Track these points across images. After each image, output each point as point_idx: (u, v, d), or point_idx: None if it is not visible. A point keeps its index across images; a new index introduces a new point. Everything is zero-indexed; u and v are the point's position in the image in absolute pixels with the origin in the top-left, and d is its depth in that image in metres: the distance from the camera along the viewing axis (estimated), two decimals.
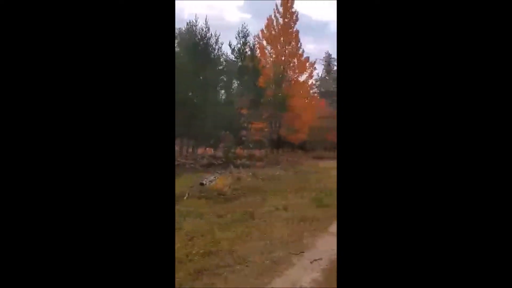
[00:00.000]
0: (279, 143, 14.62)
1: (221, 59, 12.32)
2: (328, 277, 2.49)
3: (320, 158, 16.37)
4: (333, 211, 4.75)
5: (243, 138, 12.45)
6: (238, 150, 11.19)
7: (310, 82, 15.22)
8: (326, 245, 3.23)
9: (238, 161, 9.80)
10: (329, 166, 10.00)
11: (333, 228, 3.89)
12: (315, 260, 2.81)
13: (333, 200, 5.50)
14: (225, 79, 12.37)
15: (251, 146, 12.43)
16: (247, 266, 2.59)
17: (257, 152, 12.15)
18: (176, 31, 10.91)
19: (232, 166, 8.83)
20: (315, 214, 4.43)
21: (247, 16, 49.69)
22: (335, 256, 3.02)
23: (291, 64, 13.90)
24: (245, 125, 12.34)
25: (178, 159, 9.31)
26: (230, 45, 12.99)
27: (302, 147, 19.48)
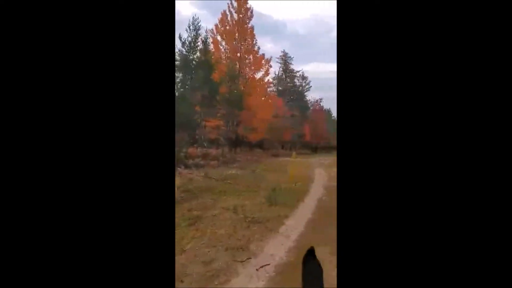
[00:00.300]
0: (236, 142, 14.33)
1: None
2: (273, 285, 2.26)
3: (278, 156, 16.53)
4: (286, 210, 4.60)
5: (197, 137, 11.86)
6: (191, 149, 10.60)
7: (266, 80, 15.13)
8: (275, 248, 3.01)
9: (191, 161, 9.26)
10: (286, 164, 10.01)
11: (284, 228, 3.71)
12: (262, 266, 2.56)
13: (287, 198, 5.38)
14: (176, 73, 11.63)
15: (205, 144, 11.90)
16: (182, 281, 2.23)
17: (213, 151, 11.68)
18: None
19: (183, 167, 8.28)
20: (266, 214, 4.21)
21: (203, 12, 48.48)
22: (284, 260, 2.85)
23: (247, 61, 13.72)
24: (199, 121, 11.76)
25: None
26: (180, 38, 12.22)
27: (261, 145, 19.53)
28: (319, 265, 0.69)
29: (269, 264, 2.63)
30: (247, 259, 2.71)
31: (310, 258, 0.72)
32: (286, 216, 4.25)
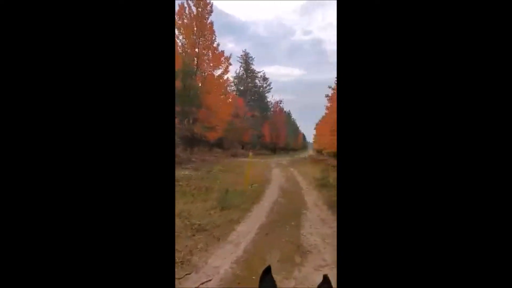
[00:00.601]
0: (193, 141, 13.66)
1: None
2: None
3: (237, 156, 16.24)
4: (238, 214, 4.29)
5: None
6: None
7: (225, 78, 14.67)
8: (221, 259, 2.67)
9: None
10: (245, 164, 9.72)
11: (234, 235, 3.38)
12: (202, 283, 2.19)
13: (241, 201, 5.06)
14: None
15: None
16: None
17: None
18: None
19: None
20: (216, 220, 3.84)
21: None
22: (229, 273, 2.53)
23: (205, 57, 13.14)
24: None
25: None
26: None
27: (220, 145, 19.03)
28: (274, 280, 0.66)
29: (211, 280, 2.27)
30: (186, 274, 2.32)
31: (266, 276, 0.67)
32: (238, 221, 3.93)
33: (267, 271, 0.67)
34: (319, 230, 3.73)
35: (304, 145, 53.58)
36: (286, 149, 34.49)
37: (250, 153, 8.22)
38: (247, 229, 3.63)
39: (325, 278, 0.68)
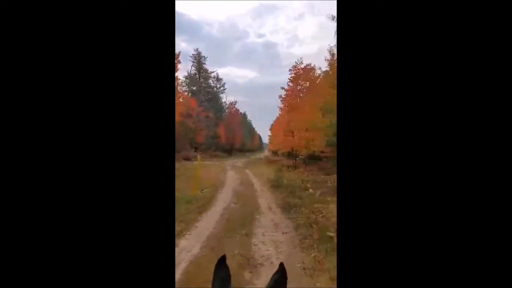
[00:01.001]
0: None
1: None
2: None
3: (190, 159, 15.44)
4: (182, 225, 3.78)
5: None
6: None
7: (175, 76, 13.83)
8: None
9: None
10: (194, 167, 9.11)
11: (175, 253, 2.89)
12: None
13: (186, 209, 4.54)
14: None
15: None
16: None
17: None
18: None
19: None
20: None
21: None
22: None
23: None
24: None
25: None
26: None
27: None
28: (228, 269, 0.63)
29: None
30: None
31: (221, 264, 0.64)
32: (182, 234, 3.43)
33: (222, 260, 0.66)
34: (272, 237, 3.43)
35: (260, 146, 54.11)
36: (243, 150, 34.33)
37: (199, 155, 7.68)
38: (191, 244, 3.15)
39: (280, 265, 0.66)
